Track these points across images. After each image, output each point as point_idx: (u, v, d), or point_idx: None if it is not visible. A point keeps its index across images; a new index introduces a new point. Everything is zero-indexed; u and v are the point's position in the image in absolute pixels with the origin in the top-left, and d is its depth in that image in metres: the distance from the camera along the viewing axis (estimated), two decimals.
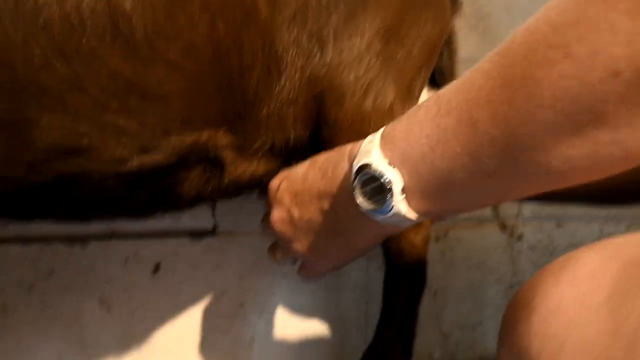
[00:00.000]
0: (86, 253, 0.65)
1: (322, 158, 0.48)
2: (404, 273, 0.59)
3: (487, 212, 0.82)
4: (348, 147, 0.45)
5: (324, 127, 0.52)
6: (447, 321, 0.81)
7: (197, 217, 0.68)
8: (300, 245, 0.49)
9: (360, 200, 0.41)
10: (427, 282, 0.61)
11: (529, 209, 0.84)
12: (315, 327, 0.74)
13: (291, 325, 0.73)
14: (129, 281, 0.66)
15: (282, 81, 0.49)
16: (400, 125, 0.40)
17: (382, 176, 0.39)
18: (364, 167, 0.41)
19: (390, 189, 0.39)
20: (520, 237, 0.84)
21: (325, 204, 0.46)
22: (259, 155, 0.52)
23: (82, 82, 0.42)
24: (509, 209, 0.83)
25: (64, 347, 0.64)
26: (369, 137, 0.43)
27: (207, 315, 0.69)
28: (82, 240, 0.64)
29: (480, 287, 0.82)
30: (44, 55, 0.41)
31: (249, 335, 0.71)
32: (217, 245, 0.70)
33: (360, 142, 0.43)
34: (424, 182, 0.39)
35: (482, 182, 0.37)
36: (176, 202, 0.53)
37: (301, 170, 0.49)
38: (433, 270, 0.69)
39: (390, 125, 0.41)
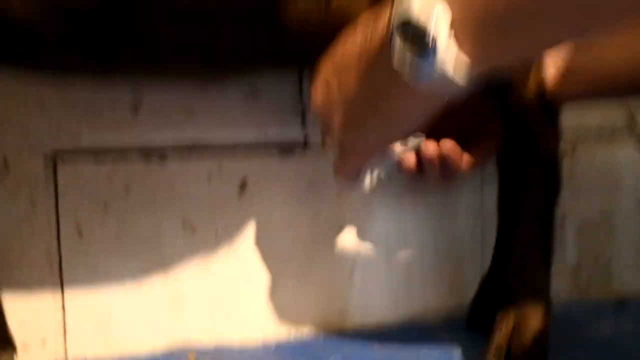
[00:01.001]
0: (165, 168, 0.57)
1: (366, 14, 0.39)
2: (538, 168, 0.49)
3: (621, 121, 0.69)
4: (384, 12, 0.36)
5: None
6: (577, 253, 0.69)
7: (286, 128, 0.59)
8: (336, 119, 0.41)
9: (398, 49, 0.32)
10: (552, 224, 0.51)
11: None
12: (423, 257, 0.64)
13: (397, 254, 0.63)
14: (214, 200, 0.58)
15: None
16: None
17: (423, 15, 0.30)
18: (403, 11, 0.31)
19: (432, 33, 0.30)
20: None
21: (363, 67, 0.38)
22: None
23: None
24: None
25: (142, 271, 0.57)
26: None
27: (301, 240, 0.61)
28: (160, 153, 0.57)
29: (616, 213, 0.69)
30: None
31: (348, 264, 0.62)
32: (310, 159, 0.60)
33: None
34: (477, 14, 0.30)
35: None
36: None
37: (345, 36, 0.42)
38: None
39: None
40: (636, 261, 0.70)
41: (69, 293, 0.56)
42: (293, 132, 0.60)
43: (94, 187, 0.56)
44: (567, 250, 0.68)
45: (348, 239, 0.62)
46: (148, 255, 0.57)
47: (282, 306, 0.61)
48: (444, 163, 0.51)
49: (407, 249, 0.63)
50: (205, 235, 0.58)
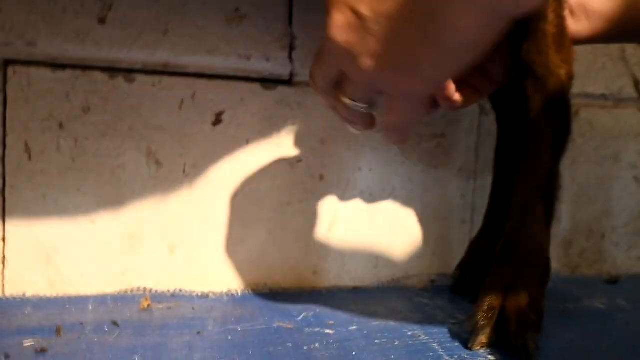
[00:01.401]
0: (131, 91, 0.51)
1: None
2: (547, 112, 0.44)
3: (628, 90, 0.65)
4: None
5: None
6: (571, 226, 0.65)
7: (271, 60, 0.54)
8: (373, 59, 0.33)
9: None
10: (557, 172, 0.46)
11: None
12: (408, 216, 0.59)
13: (381, 211, 0.58)
14: (184, 132, 0.52)
15: None
16: None
17: None
18: None
19: None
20: None
21: None
22: None
23: None
24: None
25: (98, 205, 0.51)
26: None
27: (277, 186, 0.55)
28: (127, 73, 0.51)
29: (615, 184, 0.65)
30: None
31: (328, 216, 0.57)
32: (294, 97, 0.55)
33: None
34: None
35: None
36: None
37: None
38: None
39: None
40: (631, 240, 0.66)
41: (11, 222, 0.49)
42: (278, 65, 0.54)
43: (48, 104, 0.49)
44: (561, 222, 0.64)
45: (328, 190, 0.57)
46: (105, 186, 0.51)
47: (251, 257, 0.55)
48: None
49: (392, 205, 0.58)
50: (171, 170, 0.52)
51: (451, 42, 0.31)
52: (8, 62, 0.48)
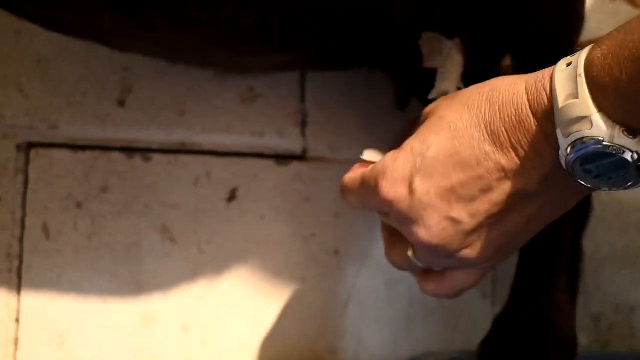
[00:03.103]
0: (148, 168, 0.52)
1: (465, 132, 0.30)
2: None
3: None
4: (521, 98, 0.29)
5: None
6: (598, 299, 0.62)
7: (284, 137, 0.55)
8: (471, 251, 0.33)
9: (584, 182, 0.28)
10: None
11: None
12: None
13: (398, 284, 0.57)
14: (199, 208, 0.53)
15: None
16: (614, 45, 0.25)
17: (617, 151, 0.26)
18: (581, 142, 0.26)
19: (633, 164, 0.26)
20: None
21: (512, 186, 0.30)
22: None
23: None
24: None
25: (114, 284, 0.51)
26: (562, 72, 0.27)
27: (292, 262, 0.54)
28: (144, 153, 0.52)
29: None
30: None
31: (344, 293, 0.55)
32: (307, 173, 0.55)
33: (539, 78, 0.28)
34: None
35: None
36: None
37: (437, 151, 0.31)
38: None
39: (599, 47, 0.26)
40: None
41: (26, 303, 0.49)
42: (291, 141, 0.55)
43: (68, 184, 0.50)
44: (587, 295, 0.62)
45: (344, 265, 0.56)
46: (120, 265, 0.51)
47: (267, 336, 0.53)
48: None
49: (410, 279, 0.57)
50: (186, 247, 0.52)
51: (541, 226, 0.32)
52: (31, 145, 0.50)
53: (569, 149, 0.27)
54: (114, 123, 0.52)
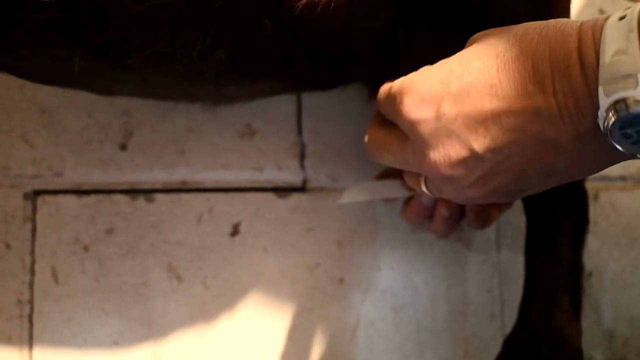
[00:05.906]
0: (152, 208, 0.53)
1: (512, 65, 0.28)
2: (562, 204, 0.44)
3: None
4: (573, 42, 0.27)
5: None
6: (610, 313, 0.61)
7: (283, 170, 0.56)
8: (481, 189, 0.31)
9: (622, 147, 0.26)
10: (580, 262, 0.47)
11: None
12: (434, 314, 0.57)
13: (405, 311, 0.57)
14: (203, 245, 0.54)
15: None
16: None
17: None
18: (623, 103, 0.25)
19: None
20: None
21: (544, 133, 0.28)
22: None
23: None
24: None
25: (121, 324, 0.51)
26: (613, 25, 0.25)
27: (297, 293, 0.55)
28: (147, 194, 0.53)
29: None
30: None
31: (351, 321, 0.56)
32: (308, 204, 0.56)
33: (592, 26, 0.26)
34: None
35: None
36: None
37: (477, 78, 0.29)
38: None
39: None
40: None
41: (38, 349, 0.50)
42: (291, 174, 0.56)
43: (74, 229, 0.52)
44: (599, 312, 0.61)
45: (349, 293, 0.56)
46: (128, 305, 0.52)
47: None
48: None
49: (417, 304, 0.57)
50: (192, 284, 0.53)
51: (559, 179, 0.30)
52: (38, 193, 0.52)
53: (609, 110, 0.25)
54: (117, 167, 0.53)
